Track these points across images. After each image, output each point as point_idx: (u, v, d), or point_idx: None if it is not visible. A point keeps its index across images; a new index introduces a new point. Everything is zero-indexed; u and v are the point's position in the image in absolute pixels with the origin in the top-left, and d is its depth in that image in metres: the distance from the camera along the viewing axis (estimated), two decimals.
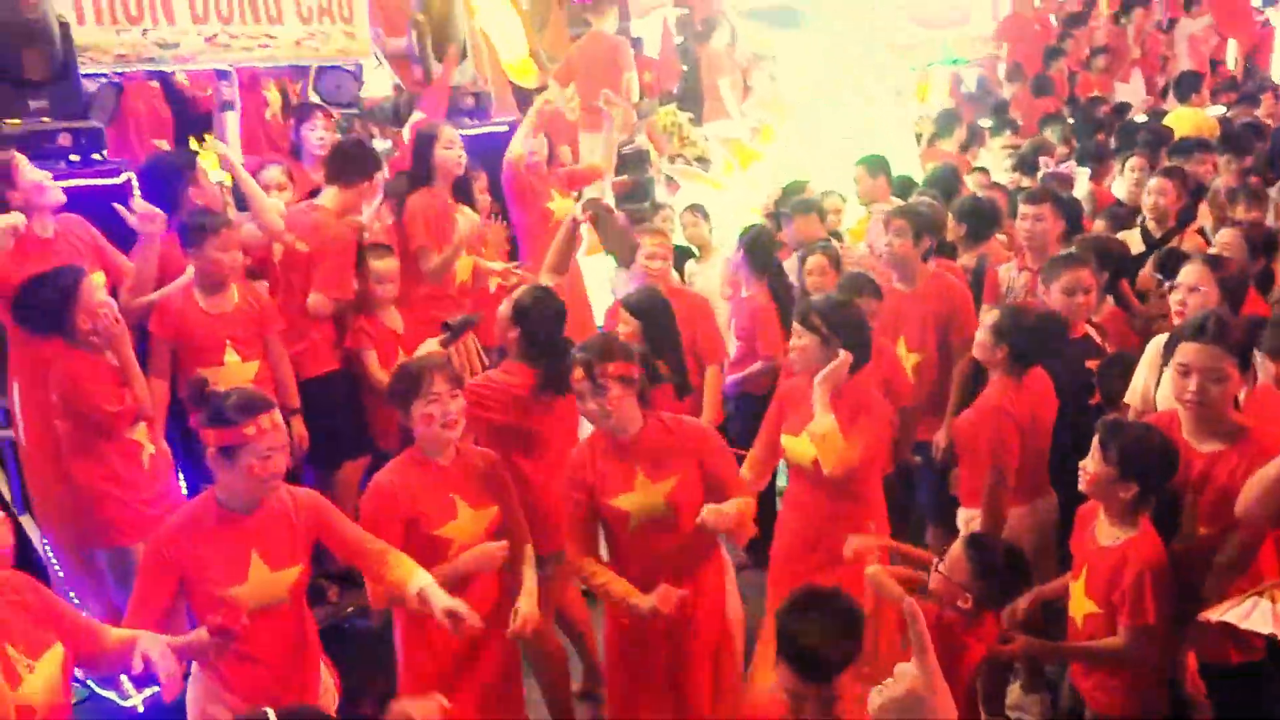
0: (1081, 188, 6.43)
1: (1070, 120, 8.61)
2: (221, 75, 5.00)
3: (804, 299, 3.73)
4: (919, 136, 7.90)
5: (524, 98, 7.17)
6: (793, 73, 7.11)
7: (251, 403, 2.70)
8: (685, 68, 12.45)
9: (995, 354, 3.59)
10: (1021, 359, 3.57)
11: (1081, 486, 2.84)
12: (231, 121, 5.04)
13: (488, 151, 5.31)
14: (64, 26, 4.10)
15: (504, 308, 3.63)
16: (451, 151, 4.71)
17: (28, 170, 3.63)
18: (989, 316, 3.79)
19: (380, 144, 5.59)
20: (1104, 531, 2.82)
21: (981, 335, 3.67)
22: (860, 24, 6.46)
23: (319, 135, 5.12)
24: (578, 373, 3.03)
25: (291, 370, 4.27)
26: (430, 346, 3.77)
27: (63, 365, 3.53)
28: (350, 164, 4.46)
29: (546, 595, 3.40)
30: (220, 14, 4.79)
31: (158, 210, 3.82)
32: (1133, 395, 3.52)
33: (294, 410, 4.23)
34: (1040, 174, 6.47)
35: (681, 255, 6.40)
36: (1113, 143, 7.27)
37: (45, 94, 4.04)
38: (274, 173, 4.70)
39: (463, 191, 4.84)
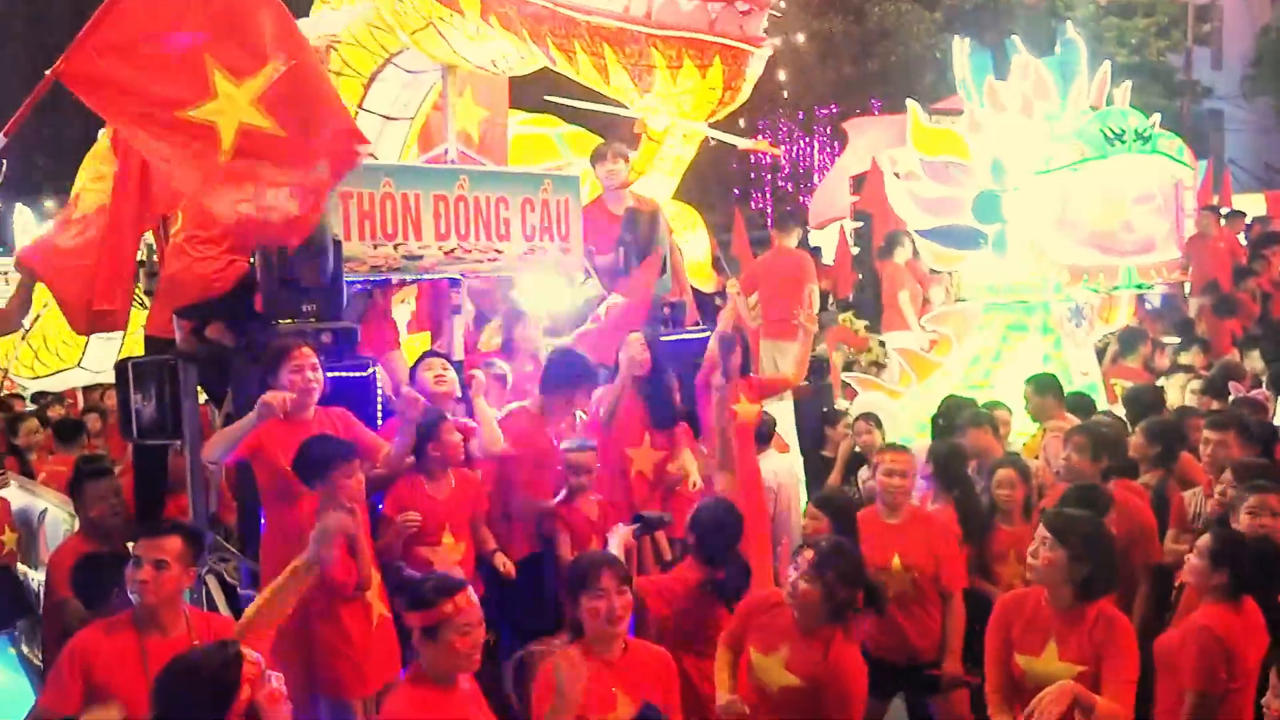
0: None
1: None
2: (453, 284, 5.68)
3: (1058, 511, 3.76)
4: (1100, 354, 7.94)
5: (700, 300, 7.67)
6: (973, 290, 7.35)
7: (447, 584, 3.06)
8: (860, 275, 12.95)
9: (1211, 580, 3.55)
10: (1241, 586, 3.52)
11: None
12: (459, 324, 5.69)
13: (682, 356, 5.76)
14: (337, 243, 4.83)
15: (690, 516, 3.98)
16: (633, 356, 5.24)
17: (302, 366, 4.25)
18: (1203, 541, 3.72)
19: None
20: None
21: (1195, 560, 3.63)
22: (1041, 246, 6.65)
23: (528, 335, 5.77)
24: (809, 554, 3.33)
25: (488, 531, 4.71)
26: (621, 532, 4.10)
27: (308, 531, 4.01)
28: (558, 374, 5.01)
29: None
30: (459, 231, 5.47)
31: (419, 397, 4.39)
32: None
33: (493, 550, 4.66)
34: (1231, 398, 6.41)
35: (855, 462, 6.61)
36: None
37: (316, 298, 4.72)
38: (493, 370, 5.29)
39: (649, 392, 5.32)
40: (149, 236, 5.67)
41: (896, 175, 7.36)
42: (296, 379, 4.22)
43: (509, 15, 4.72)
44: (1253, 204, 14.80)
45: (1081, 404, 6.17)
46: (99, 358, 9.33)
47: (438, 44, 5.33)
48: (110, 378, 9.32)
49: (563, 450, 4.90)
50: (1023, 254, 6.72)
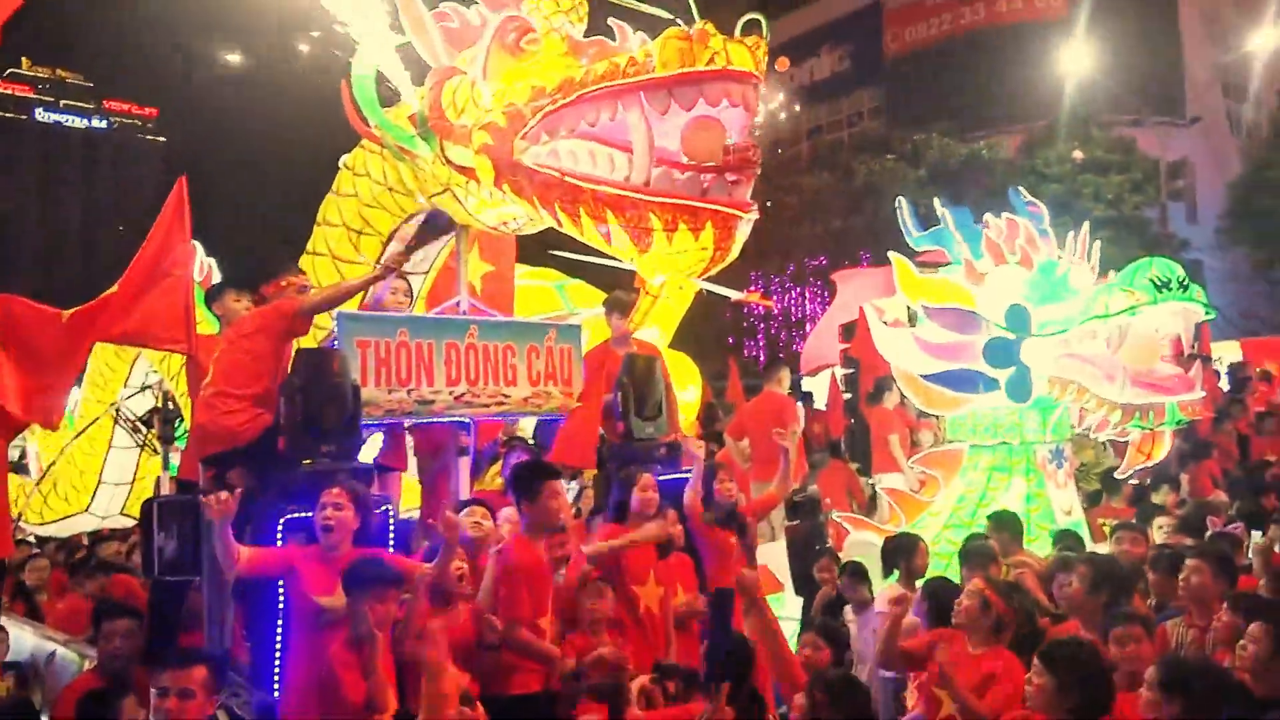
0: (1252, 549, 6.51)
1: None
2: (461, 426, 5.98)
3: (1053, 640, 3.97)
4: (1090, 495, 8.18)
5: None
6: (961, 432, 7.59)
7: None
8: (851, 420, 13.26)
9: (1166, 711, 3.63)
10: (1195, 714, 3.59)
11: None
12: (464, 465, 5.97)
13: (678, 494, 6.01)
14: (356, 388, 5.15)
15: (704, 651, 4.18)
16: (646, 494, 5.50)
17: (325, 505, 4.53)
18: (1150, 673, 3.83)
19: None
20: None
21: (1147, 693, 3.72)
22: (1088, 387, 6.85)
23: None
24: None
25: None
26: (638, 681, 4.28)
27: (328, 655, 4.23)
28: (526, 478, 5.13)
29: None
30: (468, 377, 5.80)
31: (459, 521, 4.67)
32: None
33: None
34: (1207, 534, 6.64)
35: (838, 602, 6.76)
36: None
37: (334, 440, 5.00)
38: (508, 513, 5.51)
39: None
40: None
41: (884, 323, 7.72)
42: (317, 516, 4.49)
43: (520, 183, 5.19)
44: (1229, 350, 15.30)
45: (1064, 539, 6.41)
46: (107, 503, 9.53)
47: (454, 207, 5.81)
48: (116, 523, 9.57)
49: (579, 597, 5.01)
50: (1045, 395, 6.95)
